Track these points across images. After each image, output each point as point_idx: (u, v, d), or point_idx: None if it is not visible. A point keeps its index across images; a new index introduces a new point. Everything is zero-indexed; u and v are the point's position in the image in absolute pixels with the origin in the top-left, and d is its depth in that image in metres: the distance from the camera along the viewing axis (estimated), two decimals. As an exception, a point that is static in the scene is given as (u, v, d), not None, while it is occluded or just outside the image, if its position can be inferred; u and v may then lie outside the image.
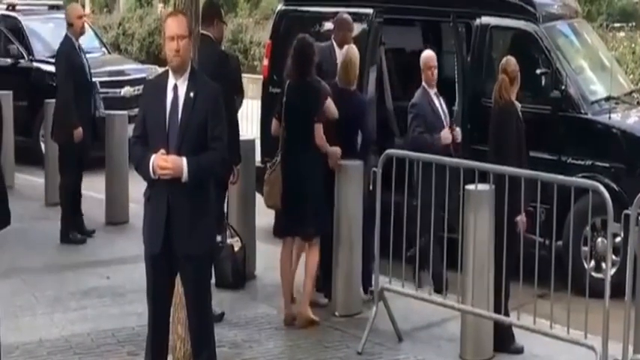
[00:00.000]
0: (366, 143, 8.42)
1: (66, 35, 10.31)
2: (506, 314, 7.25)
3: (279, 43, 11.12)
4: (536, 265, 6.74)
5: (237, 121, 8.01)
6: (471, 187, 7.07)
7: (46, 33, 15.49)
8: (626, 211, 6.32)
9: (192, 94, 5.78)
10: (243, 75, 9.03)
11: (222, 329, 7.46)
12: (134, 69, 16.43)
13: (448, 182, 7.18)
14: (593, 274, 8.60)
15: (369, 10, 10.52)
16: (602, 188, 6.46)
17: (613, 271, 6.87)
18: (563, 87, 9.56)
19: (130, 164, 8.86)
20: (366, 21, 10.54)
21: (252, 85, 17.97)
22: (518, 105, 7.54)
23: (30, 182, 11.92)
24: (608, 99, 9.81)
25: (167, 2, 28.09)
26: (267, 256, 9.21)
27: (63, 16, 11.22)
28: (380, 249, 7.59)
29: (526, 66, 8.62)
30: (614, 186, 8.84)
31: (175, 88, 5.81)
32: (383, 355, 7.31)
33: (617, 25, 21.77)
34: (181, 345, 6.63)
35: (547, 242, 7.27)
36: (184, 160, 5.67)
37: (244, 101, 8.36)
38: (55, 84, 10.14)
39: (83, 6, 34.88)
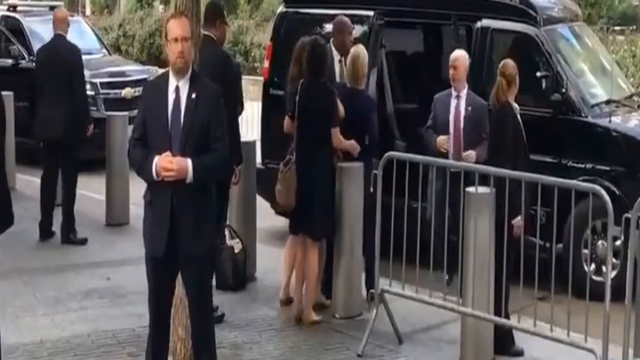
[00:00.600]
0: (372, 143, 8.45)
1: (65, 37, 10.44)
2: (507, 317, 7.26)
3: (279, 45, 11.13)
4: (537, 267, 6.74)
5: (237, 121, 8.02)
6: (471, 189, 7.08)
7: (47, 34, 15.37)
8: (626, 215, 6.34)
9: (194, 96, 5.79)
10: (244, 77, 9.03)
11: (223, 331, 7.47)
12: (135, 70, 16.44)
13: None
14: (594, 277, 8.61)
15: (370, 13, 10.53)
16: (602, 191, 6.46)
17: (613, 274, 6.88)
18: (563, 90, 9.56)
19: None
20: (367, 23, 10.55)
21: (252, 86, 18.01)
22: (517, 107, 7.55)
23: (31, 183, 11.91)
24: (608, 102, 9.81)
25: (167, 4, 28.09)
26: (268, 258, 9.22)
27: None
28: (380, 250, 7.61)
29: (527, 69, 8.65)
30: (615, 189, 8.84)
31: (177, 89, 5.81)
32: (383, 358, 7.31)
33: (617, 28, 21.83)
34: (182, 346, 6.63)
35: (547, 245, 7.28)
36: (189, 161, 5.68)
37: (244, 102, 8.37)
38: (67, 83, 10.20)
39: (84, 7, 34.99)
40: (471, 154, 8.85)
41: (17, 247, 9.57)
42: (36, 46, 15.24)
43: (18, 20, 15.99)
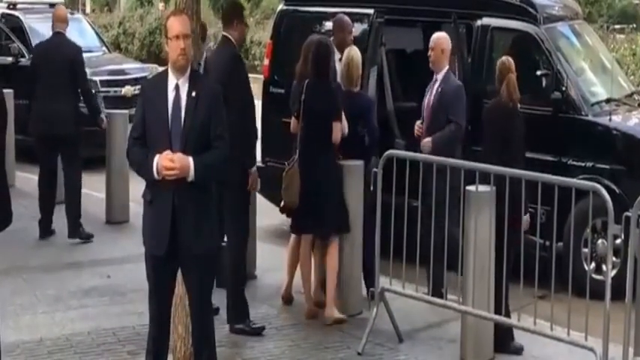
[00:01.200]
0: (371, 143, 8.43)
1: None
2: (507, 315, 7.26)
3: (279, 43, 11.14)
4: (537, 266, 6.74)
5: (248, 123, 7.67)
6: (471, 188, 7.07)
7: (47, 32, 15.35)
8: (626, 213, 6.34)
9: (194, 94, 5.78)
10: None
11: (223, 329, 7.47)
12: (135, 68, 16.43)
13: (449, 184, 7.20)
14: (594, 275, 8.60)
15: (370, 11, 10.52)
16: (602, 190, 6.46)
17: (613, 272, 6.87)
18: (563, 88, 9.55)
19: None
20: (367, 21, 10.54)
21: (252, 85, 17.96)
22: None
23: (30, 181, 11.89)
24: (608, 101, 9.80)
25: (168, 1, 28.08)
26: (268, 257, 9.22)
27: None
28: (380, 249, 7.61)
29: (527, 67, 8.64)
30: (615, 188, 8.84)
31: (177, 88, 5.81)
32: (383, 356, 7.31)
33: (617, 26, 21.80)
34: (182, 345, 6.64)
35: (547, 244, 7.28)
36: (191, 159, 5.68)
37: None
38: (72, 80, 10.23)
39: (84, 5, 34.98)
40: (427, 142, 8.44)
41: (17, 246, 9.57)
42: (36, 43, 15.27)
43: (18, 18, 15.98)
